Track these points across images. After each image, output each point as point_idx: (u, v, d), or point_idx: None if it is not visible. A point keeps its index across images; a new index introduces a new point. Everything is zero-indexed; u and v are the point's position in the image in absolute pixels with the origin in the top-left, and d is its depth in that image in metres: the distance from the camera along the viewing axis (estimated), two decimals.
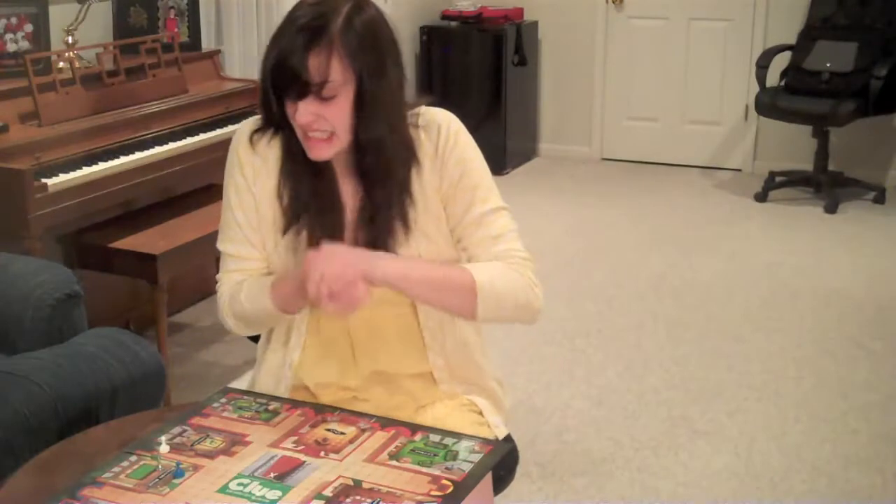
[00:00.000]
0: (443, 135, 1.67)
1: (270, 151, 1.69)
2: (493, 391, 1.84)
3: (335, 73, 1.52)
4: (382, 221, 1.65)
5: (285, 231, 1.68)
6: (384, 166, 1.62)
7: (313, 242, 1.65)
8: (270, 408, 1.62)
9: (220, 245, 1.75)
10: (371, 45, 1.55)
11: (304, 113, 1.55)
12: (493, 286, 1.61)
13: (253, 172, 1.70)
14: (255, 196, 1.70)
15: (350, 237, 1.67)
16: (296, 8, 1.58)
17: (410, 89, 1.69)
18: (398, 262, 1.60)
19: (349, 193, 1.68)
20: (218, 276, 1.77)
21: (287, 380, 1.76)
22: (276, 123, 1.65)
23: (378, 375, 1.73)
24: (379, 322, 1.72)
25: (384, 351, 1.73)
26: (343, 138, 1.59)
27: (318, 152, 1.60)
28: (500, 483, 1.79)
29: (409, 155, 1.65)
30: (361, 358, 1.73)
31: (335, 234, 1.66)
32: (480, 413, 1.78)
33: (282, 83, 1.55)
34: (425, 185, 1.67)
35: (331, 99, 1.54)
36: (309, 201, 1.66)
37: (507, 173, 5.94)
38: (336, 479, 1.40)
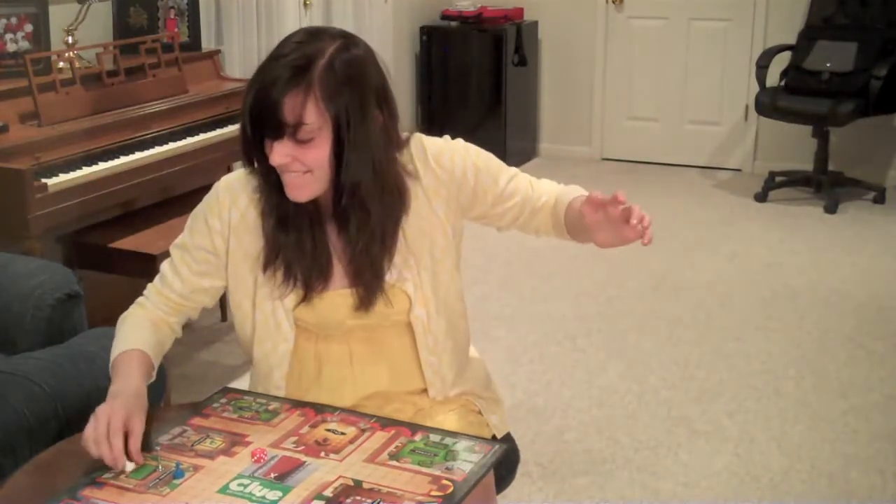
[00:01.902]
0: (446, 154, 1.68)
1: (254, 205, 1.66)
2: (491, 400, 1.85)
3: (310, 116, 1.48)
4: (365, 263, 1.62)
5: (265, 268, 1.65)
6: (362, 209, 1.58)
7: (298, 284, 1.64)
8: (270, 408, 1.62)
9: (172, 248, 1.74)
10: (351, 87, 1.50)
11: (279, 154, 1.50)
12: None
13: (229, 223, 1.67)
14: (219, 245, 1.68)
15: (345, 276, 1.65)
16: (283, 44, 1.53)
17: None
18: None
19: (339, 237, 1.65)
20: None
21: None
22: (256, 160, 1.60)
23: (376, 395, 1.73)
24: (382, 342, 1.71)
25: (384, 371, 1.72)
26: (322, 180, 1.54)
27: (297, 193, 1.55)
28: (501, 483, 1.79)
29: (396, 197, 1.62)
30: (361, 376, 1.72)
31: (324, 277, 1.64)
32: (480, 412, 1.78)
33: (259, 122, 1.51)
34: (428, 216, 1.67)
35: (308, 142, 1.50)
36: (295, 245, 1.62)
37: None
38: (336, 480, 1.40)
